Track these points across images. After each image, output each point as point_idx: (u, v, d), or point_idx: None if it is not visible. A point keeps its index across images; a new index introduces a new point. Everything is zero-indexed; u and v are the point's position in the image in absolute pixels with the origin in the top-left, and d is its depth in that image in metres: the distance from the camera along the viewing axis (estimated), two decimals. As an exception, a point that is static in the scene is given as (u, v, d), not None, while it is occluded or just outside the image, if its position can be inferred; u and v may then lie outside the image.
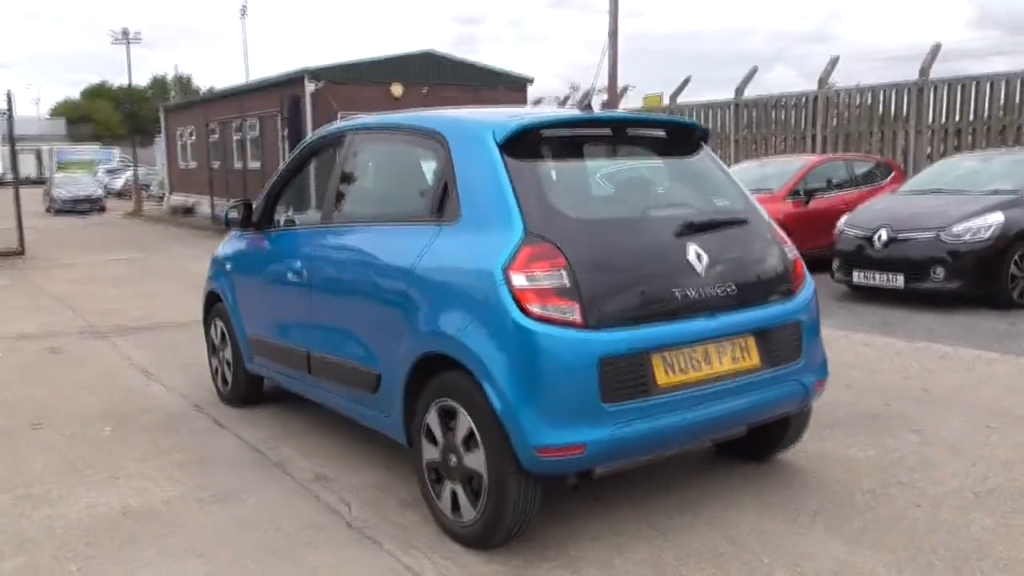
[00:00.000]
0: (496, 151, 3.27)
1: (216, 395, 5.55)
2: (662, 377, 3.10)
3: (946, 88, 13.61)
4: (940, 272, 7.95)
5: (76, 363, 6.70)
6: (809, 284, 3.75)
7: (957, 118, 13.53)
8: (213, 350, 5.53)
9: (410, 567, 3.10)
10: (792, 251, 3.74)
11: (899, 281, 8.19)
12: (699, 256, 3.30)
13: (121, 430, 4.89)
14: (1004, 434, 4.43)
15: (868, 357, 6.19)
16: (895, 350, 6.39)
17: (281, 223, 4.95)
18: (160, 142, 33.11)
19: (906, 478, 3.87)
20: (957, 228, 8.01)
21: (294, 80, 19.66)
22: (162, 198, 32.42)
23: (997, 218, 7.99)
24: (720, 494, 3.72)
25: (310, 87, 19.27)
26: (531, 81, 22.51)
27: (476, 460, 3.11)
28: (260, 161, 21.42)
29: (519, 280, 2.98)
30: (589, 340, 2.96)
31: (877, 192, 11.01)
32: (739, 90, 17.07)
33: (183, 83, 73.39)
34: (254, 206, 4.87)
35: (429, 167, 3.63)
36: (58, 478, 4.14)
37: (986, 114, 13.19)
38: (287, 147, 18.90)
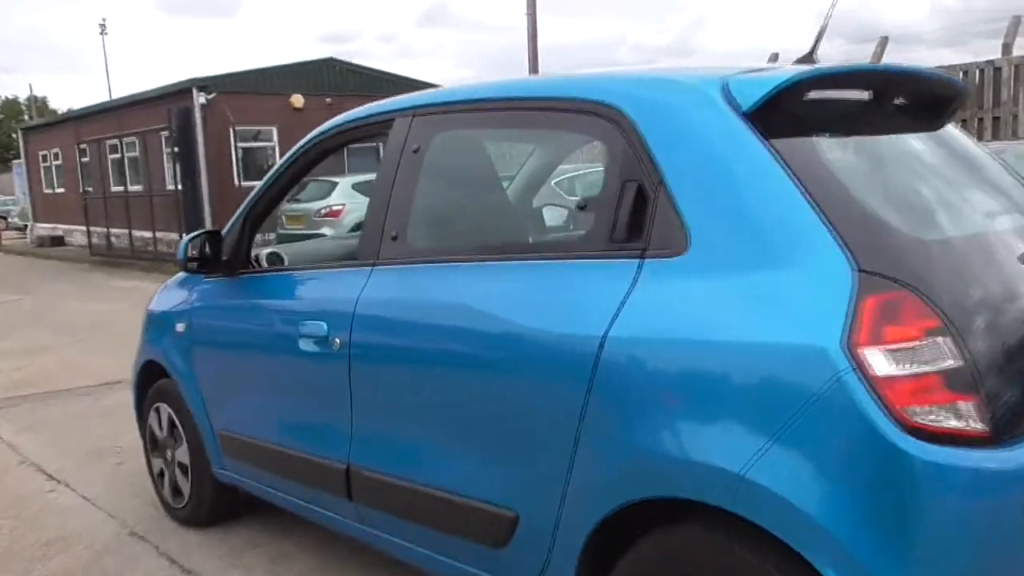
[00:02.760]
0: (745, 126, 1.85)
1: (161, 507, 3.86)
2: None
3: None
4: None
5: (-62, 462, 4.81)
6: None
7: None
8: (155, 446, 3.83)
9: None
10: None
11: None
12: None
13: (24, 589, 3.16)
14: None
15: None
16: None
17: (264, 261, 3.35)
18: (19, 167, 29.77)
19: None
20: None
21: (181, 92, 17.52)
22: (24, 228, 29.17)
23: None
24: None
25: (200, 99, 17.18)
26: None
27: None
28: (142, 184, 19.09)
29: (880, 362, 1.55)
30: (1014, 467, 1.57)
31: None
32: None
33: (38, 105, 67.91)
34: (223, 236, 3.25)
35: (591, 162, 2.17)
36: None
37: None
38: (176, 166, 16.77)
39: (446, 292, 2.34)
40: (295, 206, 14.73)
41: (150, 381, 3.78)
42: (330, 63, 19.51)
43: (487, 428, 2.18)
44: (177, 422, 3.59)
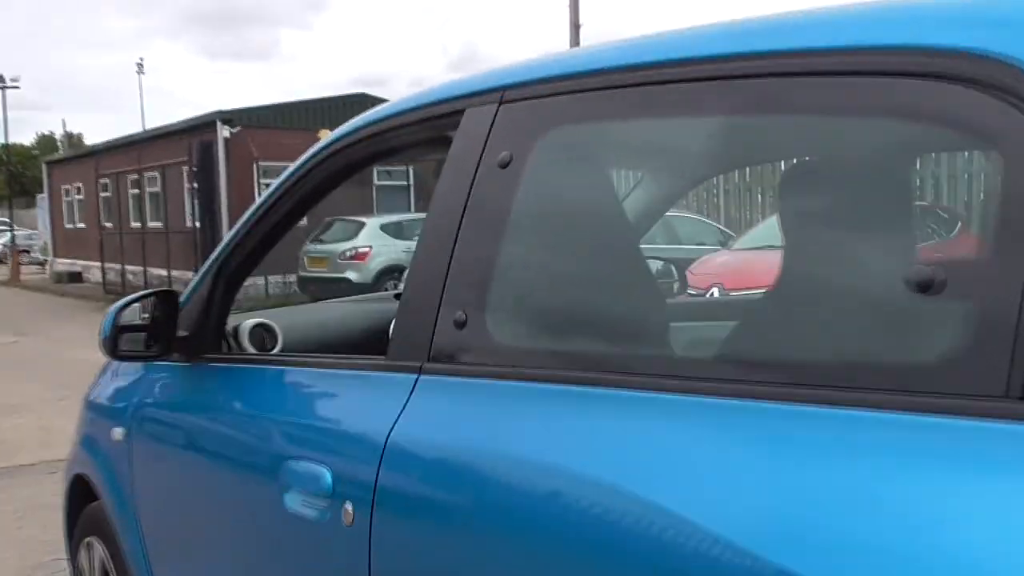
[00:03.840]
0: None
1: None
2: None
3: None
4: None
5: None
6: None
7: None
8: (85, 598, 2.64)
9: None
10: None
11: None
12: None
13: None
14: None
15: None
16: None
17: (244, 338, 2.17)
18: (43, 201, 29.21)
19: None
20: None
21: (204, 125, 16.69)
22: (45, 263, 28.52)
23: None
24: None
25: (223, 132, 16.30)
26: (476, 128, 20.11)
27: None
28: (161, 220, 18.20)
29: None
30: None
31: None
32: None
33: (73, 141, 67.96)
34: (181, 304, 2.08)
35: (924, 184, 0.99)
36: None
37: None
38: (195, 203, 15.84)
39: (567, 444, 1.14)
40: (318, 247, 13.70)
41: (81, 504, 2.60)
42: (362, 98, 18.61)
43: None
44: (112, 572, 2.40)
